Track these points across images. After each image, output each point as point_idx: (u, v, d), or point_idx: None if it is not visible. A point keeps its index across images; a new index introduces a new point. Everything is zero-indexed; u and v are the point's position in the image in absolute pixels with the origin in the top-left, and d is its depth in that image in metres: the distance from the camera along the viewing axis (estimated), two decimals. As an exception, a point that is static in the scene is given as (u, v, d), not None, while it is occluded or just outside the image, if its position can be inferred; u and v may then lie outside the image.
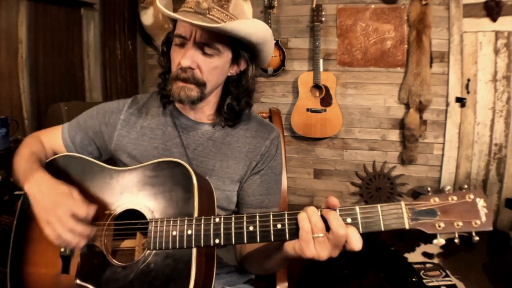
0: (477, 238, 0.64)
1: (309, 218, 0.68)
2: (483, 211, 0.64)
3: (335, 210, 0.69)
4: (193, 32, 0.89)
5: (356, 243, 0.66)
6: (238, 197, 1.05)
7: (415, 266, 2.28)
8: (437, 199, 0.65)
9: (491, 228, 0.63)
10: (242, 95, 1.03)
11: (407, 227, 0.65)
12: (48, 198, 0.81)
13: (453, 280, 2.12)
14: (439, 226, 0.64)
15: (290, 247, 0.72)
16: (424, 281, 2.10)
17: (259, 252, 0.93)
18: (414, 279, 2.17)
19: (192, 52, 0.91)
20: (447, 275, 2.15)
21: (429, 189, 0.67)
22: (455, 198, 0.65)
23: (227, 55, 0.95)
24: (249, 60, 1.00)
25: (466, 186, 0.65)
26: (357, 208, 0.68)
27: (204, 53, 0.92)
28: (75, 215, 0.78)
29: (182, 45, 0.93)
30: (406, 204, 0.66)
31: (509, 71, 2.81)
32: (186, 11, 0.90)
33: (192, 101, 0.94)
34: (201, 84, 0.94)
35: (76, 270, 0.85)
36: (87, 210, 0.79)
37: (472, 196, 0.64)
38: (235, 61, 0.99)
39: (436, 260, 2.47)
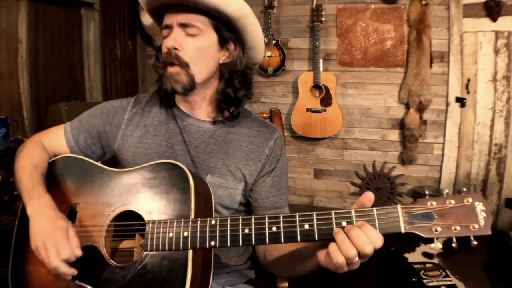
0: (475, 242, 0.62)
1: (342, 253, 0.66)
2: (481, 215, 0.62)
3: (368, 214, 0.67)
4: (175, 18, 0.93)
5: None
6: (251, 201, 1.05)
7: (415, 266, 2.27)
8: (434, 203, 0.64)
9: (489, 233, 0.62)
10: (237, 80, 1.01)
11: (402, 231, 0.64)
12: (44, 229, 0.80)
13: (453, 280, 2.12)
14: (436, 230, 0.63)
15: (323, 263, 0.72)
16: (424, 281, 2.10)
17: (289, 259, 0.92)
18: (414, 279, 2.16)
19: (175, 34, 0.94)
20: (447, 275, 2.14)
21: (426, 192, 0.66)
22: (453, 201, 0.63)
23: (211, 35, 0.96)
24: (236, 41, 0.99)
25: (465, 189, 0.64)
26: (352, 211, 0.67)
27: (187, 34, 0.94)
28: (59, 254, 0.77)
29: (168, 36, 0.96)
30: (402, 208, 0.65)
31: (509, 71, 2.81)
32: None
33: (183, 87, 0.94)
34: (184, 65, 0.94)
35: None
36: (70, 253, 0.78)
37: (470, 200, 0.63)
38: (223, 44, 0.98)
39: (436, 260, 2.47)
